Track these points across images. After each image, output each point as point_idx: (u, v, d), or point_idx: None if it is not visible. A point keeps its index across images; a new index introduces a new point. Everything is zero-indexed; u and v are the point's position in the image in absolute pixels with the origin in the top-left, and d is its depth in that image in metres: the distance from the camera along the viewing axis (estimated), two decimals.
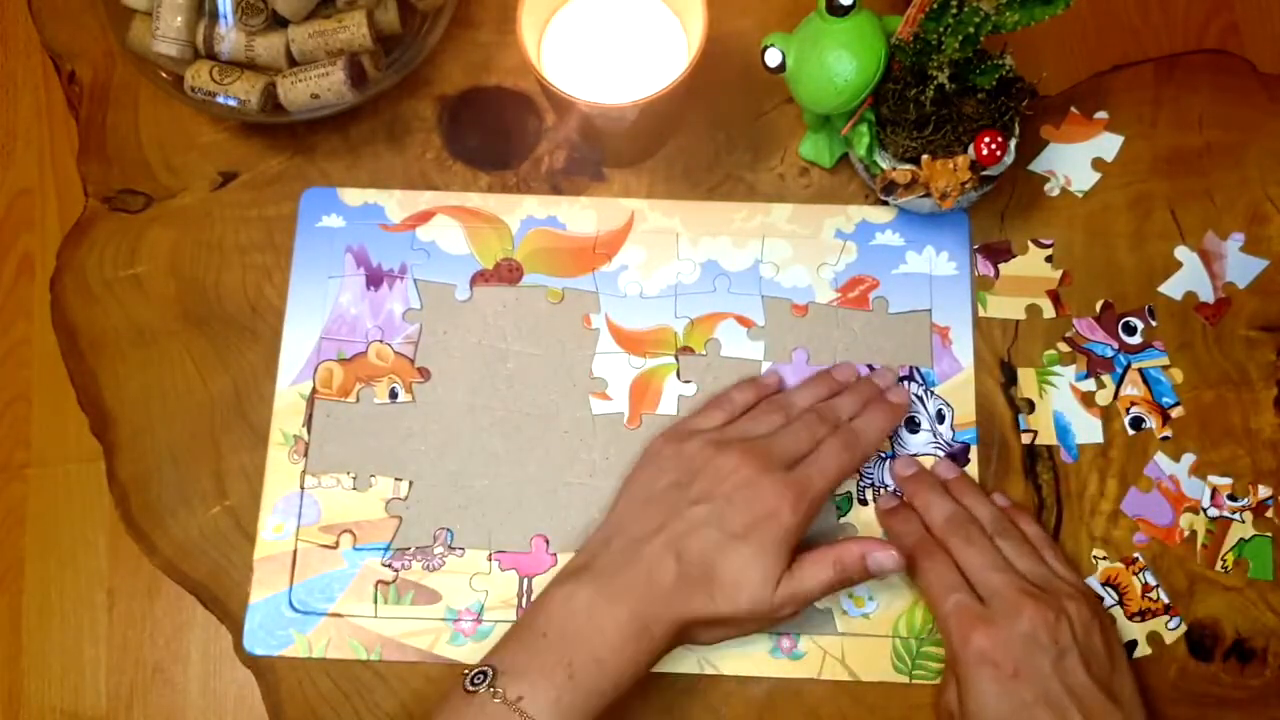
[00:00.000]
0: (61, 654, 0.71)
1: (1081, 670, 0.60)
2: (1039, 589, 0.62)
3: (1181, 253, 0.73)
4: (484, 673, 0.58)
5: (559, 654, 0.59)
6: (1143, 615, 0.67)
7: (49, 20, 0.80)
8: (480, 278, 0.74)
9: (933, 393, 0.71)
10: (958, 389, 0.71)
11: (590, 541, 0.65)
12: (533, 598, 0.68)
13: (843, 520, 0.69)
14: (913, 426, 0.71)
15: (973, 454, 0.70)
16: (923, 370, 0.72)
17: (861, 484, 0.70)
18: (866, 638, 0.67)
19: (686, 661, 0.67)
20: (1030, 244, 0.74)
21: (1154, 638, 0.67)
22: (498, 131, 0.77)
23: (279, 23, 0.73)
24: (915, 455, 0.70)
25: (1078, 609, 0.62)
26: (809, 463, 0.64)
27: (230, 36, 0.72)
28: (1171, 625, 0.67)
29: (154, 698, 0.70)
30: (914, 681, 0.67)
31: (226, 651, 0.70)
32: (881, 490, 0.69)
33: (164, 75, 0.74)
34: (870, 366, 0.72)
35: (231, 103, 0.72)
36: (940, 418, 0.71)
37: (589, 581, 0.61)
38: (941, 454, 0.70)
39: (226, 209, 0.76)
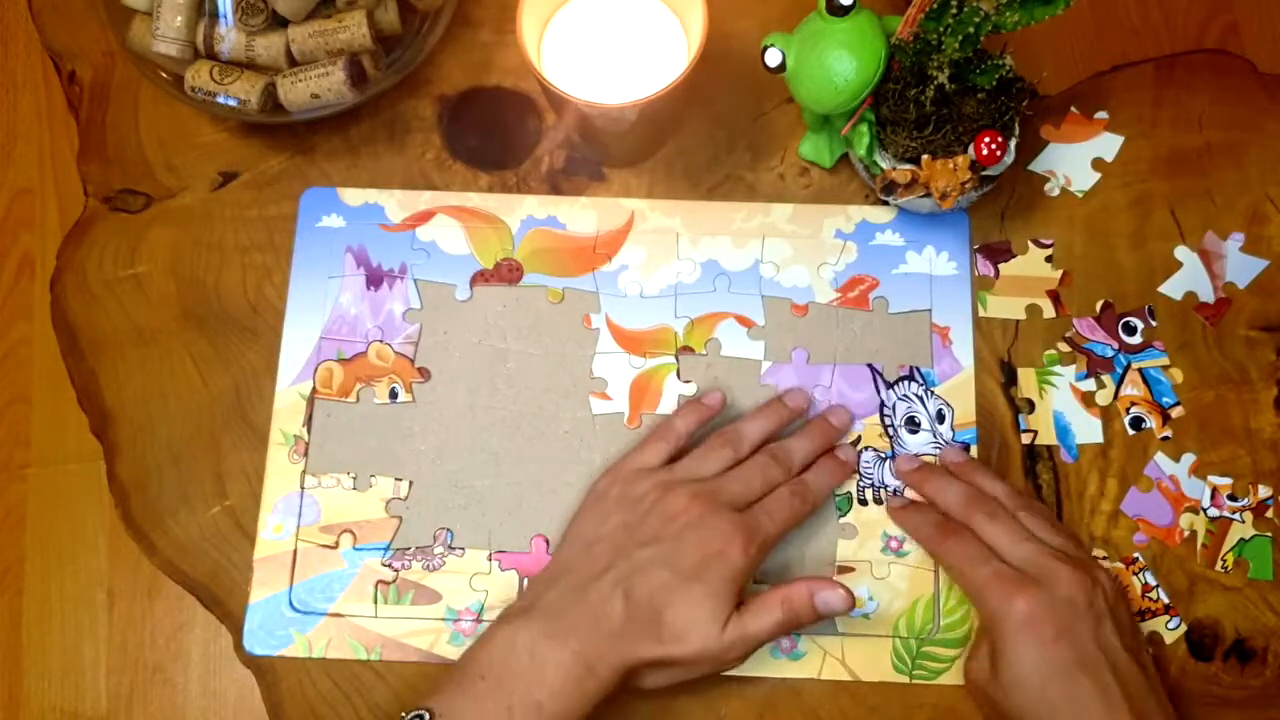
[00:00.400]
0: (61, 654, 0.71)
1: (1115, 636, 0.60)
2: (1068, 557, 0.63)
3: (1181, 253, 0.73)
4: (420, 716, 0.58)
5: (498, 698, 0.58)
6: (1142, 615, 0.67)
7: (49, 20, 0.81)
8: (480, 278, 0.74)
9: (933, 393, 0.71)
10: (958, 389, 0.71)
11: (534, 582, 0.64)
12: None
13: (843, 520, 0.69)
14: (913, 427, 0.71)
15: (973, 454, 0.70)
16: (923, 370, 0.72)
17: (861, 484, 0.70)
18: (866, 638, 0.67)
19: None
20: (1030, 244, 0.74)
21: (1154, 638, 0.67)
22: (498, 131, 0.77)
23: (279, 23, 0.73)
24: (916, 455, 0.70)
25: (1107, 578, 0.63)
26: (760, 506, 0.64)
27: (230, 36, 0.72)
28: (1171, 625, 0.67)
29: (154, 698, 0.70)
30: (914, 681, 0.67)
31: (226, 651, 0.70)
32: (881, 490, 0.69)
33: (164, 75, 0.74)
34: (873, 368, 0.72)
35: (231, 103, 0.72)
36: (940, 418, 0.71)
37: (532, 622, 0.60)
38: (941, 453, 0.70)
39: (226, 209, 0.76)
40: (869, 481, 0.70)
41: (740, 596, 0.61)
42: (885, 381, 0.71)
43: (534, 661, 0.59)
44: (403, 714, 0.58)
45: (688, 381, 0.72)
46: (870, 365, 0.72)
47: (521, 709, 0.58)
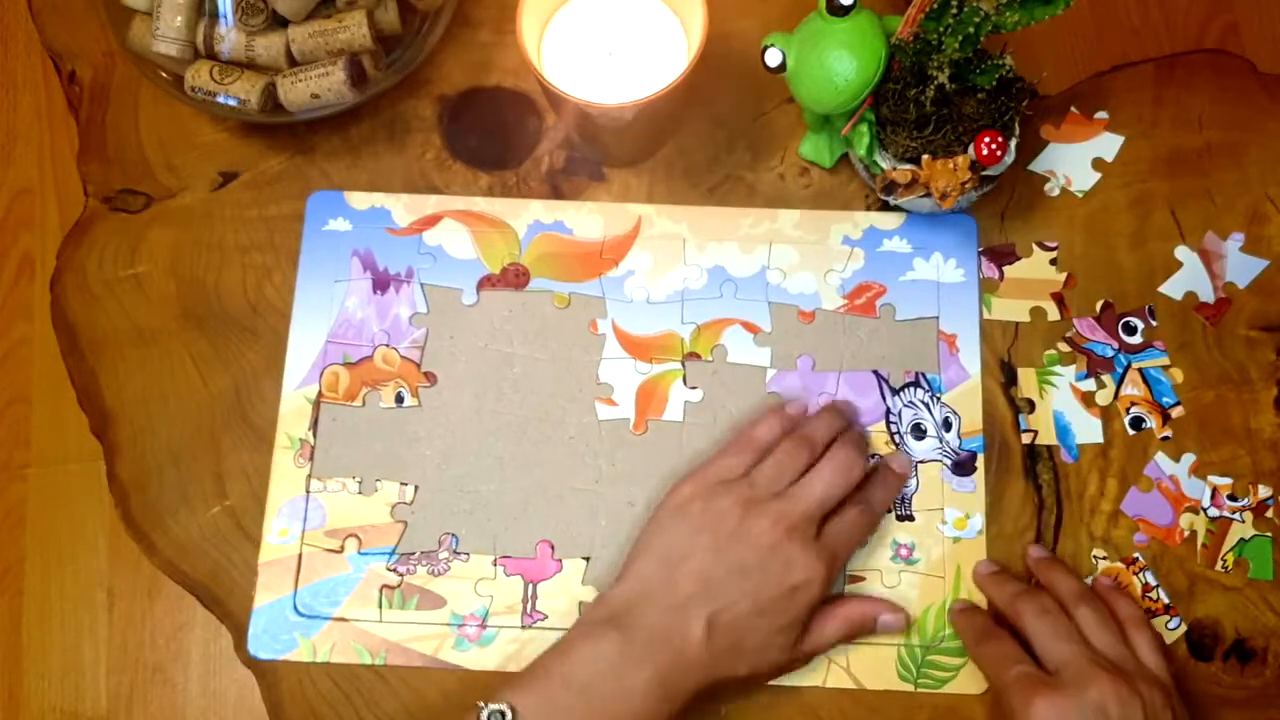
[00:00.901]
0: (61, 654, 0.71)
1: None
2: (1113, 664, 0.60)
3: (1182, 253, 0.73)
4: (503, 713, 0.58)
5: (583, 711, 0.59)
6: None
7: (49, 20, 0.80)
8: (487, 282, 0.74)
9: (939, 400, 0.71)
10: (964, 396, 0.71)
11: (619, 590, 0.63)
12: (537, 604, 0.68)
13: None
14: (919, 434, 0.70)
15: (979, 462, 0.70)
16: (929, 377, 0.71)
17: None
18: (873, 645, 0.67)
19: None
20: (1035, 246, 0.74)
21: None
22: (498, 131, 0.77)
23: (279, 23, 0.73)
24: (919, 463, 0.70)
25: (1151, 693, 0.59)
26: (837, 530, 0.64)
27: (230, 36, 0.72)
28: (1171, 625, 0.67)
29: (154, 698, 0.70)
30: (919, 690, 0.67)
31: (226, 651, 0.69)
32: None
33: (164, 75, 0.74)
34: (879, 375, 0.72)
35: (231, 103, 0.72)
36: (947, 425, 0.71)
37: (618, 638, 0.61)
38: (948, 462, 0.70)
39: (227, 209, 0.76)
40: None
41: (812, 612, 0.64)
42: (891, 388, 0.71)
43: (620, 681, 0.59)
44: (480, 703, 0.58)
45: (694, 388, 0.72)
46: (876, 372, 0.72)
47: None
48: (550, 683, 0.60)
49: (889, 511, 0.69)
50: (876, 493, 0.67)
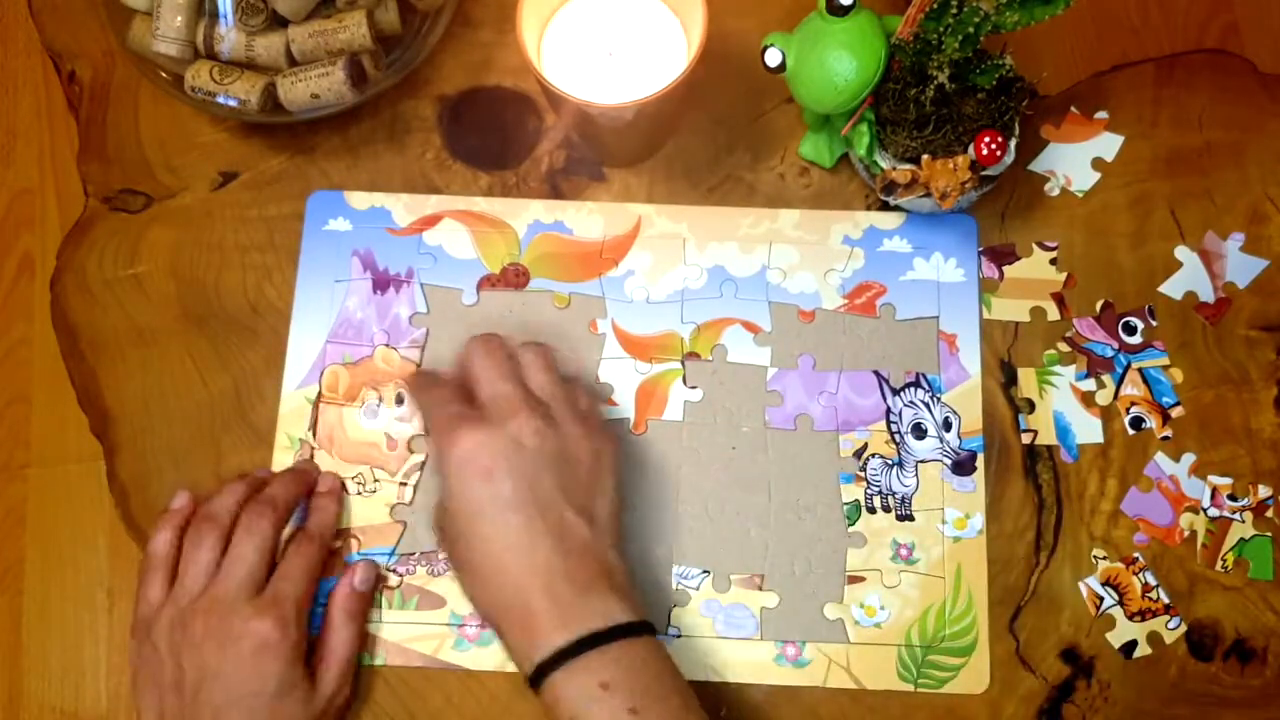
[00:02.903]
0: (61, 654, 0.71)
1: (560, 490, 0.60)
2: (540, 402, 0.62)
3: (1181, 252, 0.73)
4: None
5: None
6: (1143, 615, 0.67)
7: (49, 20, 0.81)
8: (487, 282, 0.74)
9: (939, 400, 0.71)
10: (965, 396, 0.71)
11: None
12: None
13: (851, 530, 0.69)
14: (919, 433, 0.70)
15: (979, 462, 0.70)
16: (929, 377, 0.71)
17: (869, 492, 0.69)
18: (873, 646, 0.67)
19: (691, 669, 0.67)
20: (1035, 246, 0.74)
21: (1154, 638, 0.67)
22: (498, 131, 0.77)
23: (279, 23, 0.73)
24: (922, 462, 0.70)
25: (573, 428, 0.62)
26: (277, 575, 0.64)
27: (230, 36, 0.72)
28: (1171, 625, 0.67)
29: None
30: (919, 690, 0.67)
31: None
32: (889, 498, 0.69)
33: (164, 75, 0.74)
34: (880, 375, 0.72)
35: (231, 103, 0.72)
36: (947, 425, 0.71)
37: None
38: (948, 461, 0.70)
39: (226, 209, 0.76)
40: (877, 489, 0.70)
41: (302, 657, 0.63)
42: (891, 388, 0.71)
43: None
44: None
45: (694, 387, 0.72)
46: (876, 372, 0.72)
47: None
48: None
49: (337, 529, 0.69)
50: (311, 518, 0.68)
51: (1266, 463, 0.70)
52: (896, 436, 0.70)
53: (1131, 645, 0.67)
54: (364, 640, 0.66)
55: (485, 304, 0.74)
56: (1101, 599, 0.68)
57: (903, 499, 0.69)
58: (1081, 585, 0.68)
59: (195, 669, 0.61)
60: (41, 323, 0.75)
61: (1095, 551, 0.68)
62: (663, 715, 0.57)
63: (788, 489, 0.70)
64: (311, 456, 0.71)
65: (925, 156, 0.67)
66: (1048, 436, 0.71)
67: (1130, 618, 0.67)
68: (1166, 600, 0.68)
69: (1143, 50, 0.78)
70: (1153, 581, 0.68)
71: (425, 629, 0.68)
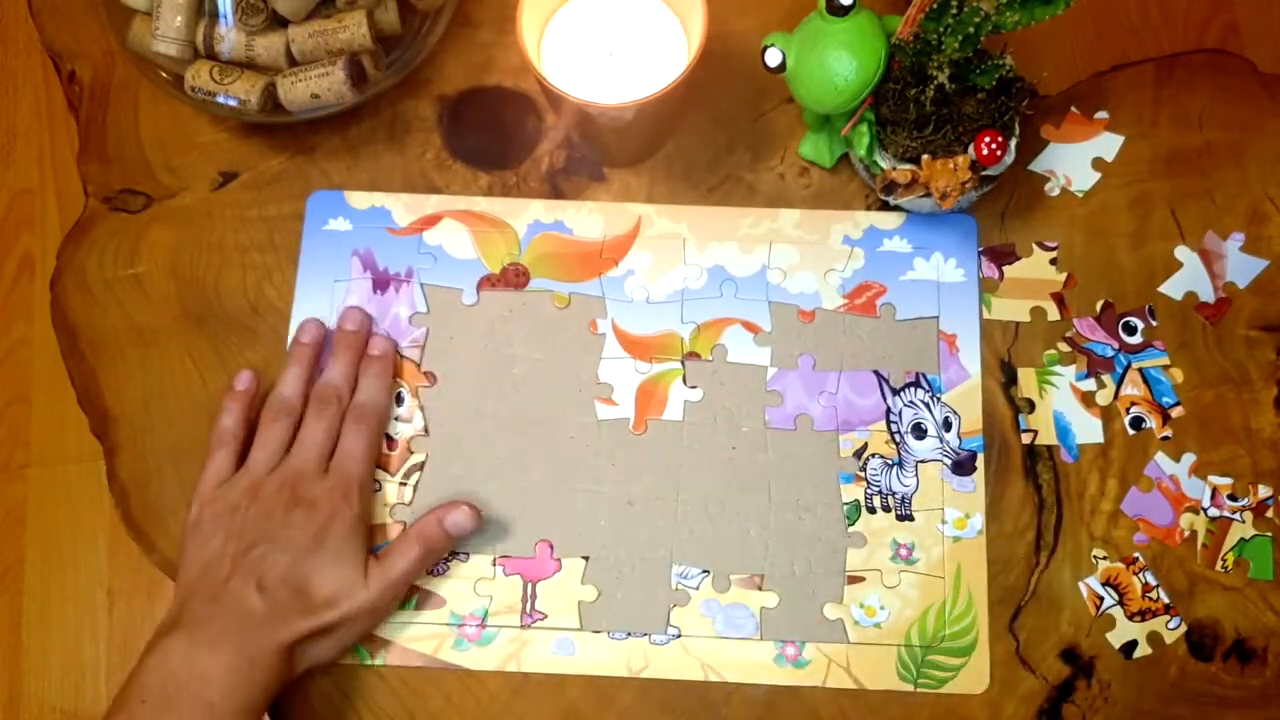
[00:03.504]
0: (61, 654, 0.71)
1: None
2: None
3: (1182, 252, 0.73)
4: None
5: (166, 716, 0.59)
6: (1143, 615, 0.67)
7: (49, 20, 0.80)
8: (487, 282, 0.74)
9: (939, 400, 0.71)
10: (965, 396, 0.71)
11: (171, 605, 0.64)
12: (537, 603, 0.68)
13: (851, 529, 0.69)
14: (919, 433, 0.70)
15: (979, 462, 0.70)
16: (929, 377, 0.71)
17: (869, 492, 0.69)
18: (873, 646, 0.67)
19: (691, 669, 0.67)
20: (1035, 246, 0.74)
21: (1154, 638, 0.67)
22: (498, 131, 0.77)
23: (279, 23, 0.73)
24: (922, 462, 0.70)
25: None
26: (342, 455, 0.67)
27: (230, 36, 0.72)
28: (1171, 625, 0.67)
29: None
30: (919, 690, 0.67)
31: None
32: (889, 498, 0.69)
33: (164, 75, 0.74)
34: (880, 375, 0.72)
35: (231, 103, 0.72)
36: (947, 425, 0.71)
37: (181, 635, 0.61)
38: (948, 461, 0.70)
39: (226, 209, 0.76)
40: (876, 489, 0.70)
41: (368, 543, 0.66)
42: (891, 388, 0.71)
43: (194, 670, 0.60)
44: None
45: (694, 387, 0.72)
46: (876, 372, 0.72)
47: (191, 715, 0.59)
48: (127, 702, 0.59)
49: (395, 396, 0.71)
50: (364, 394, 0.69)
51: (1266, 463, 0.70)
52: (896, 436, 0.70)
53: (1132, 645, 0.67)
54: (423, 569, 0.66)
55: (485, 304, 0.74)
56: (1102, 599, 0.68)
57: (903, 499, 0.69)
58: (1081, 585, 0.68)
59: (259, 528, 0.64)
60: (41, 323, 0.75)
61: (1095, 551, 0.68)
62: None
63: (788, 489, 0.70)
64: None
65: (925, 156, 0.67)
66: (1048, 436, 0.71)
67: (1130, 618, 0.67)
68: (1166, 600, 0.68)
69: (1143, 50, 0.78)
70: (1153, 581, 0.68)
71: (425, 629, 0.68)
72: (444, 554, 0.68)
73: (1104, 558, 0.68)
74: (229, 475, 0.67)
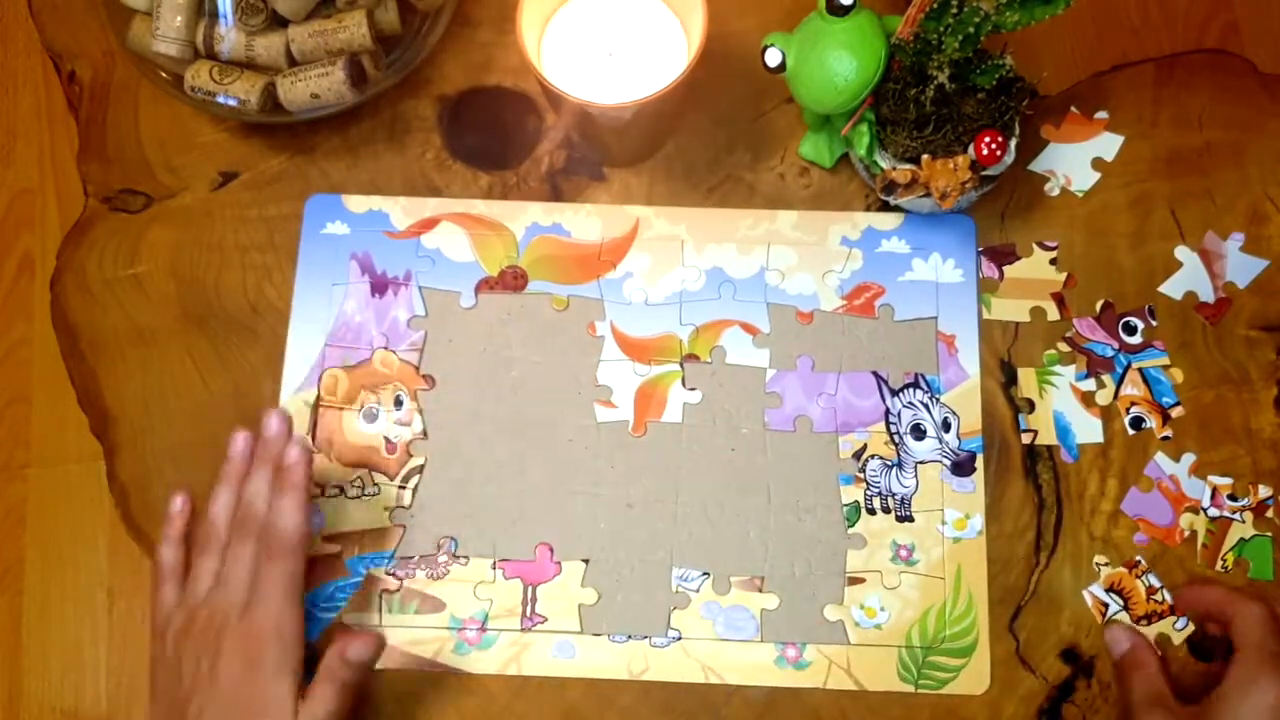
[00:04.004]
0: (61, 654, 0.71)
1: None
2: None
3: (1182, 252, 0.73)
4: None
5: None
6: (1149, 618, 0.67)
7: (49, 20, 0.80)
8: (485, 285, 0.74)
9: (938, 400, 0.71)
10: (964, 397, 0.71)
11: None
12: (537, 606, 0.68)
13: (851, 531, 0.69)
14: (918, 434, 0.70)
15: (978, 462, 0.70)
16: (928, 378, 0.71)
17: (869, 493, 0.69)
18: (874, 648, 0.67)
19: (691, 671, 0.67)
20: (1035, 246, 0.74)
21: (1162, 639, 0.67)
22: (498, 131, 0.77)
23: (279, 23, 0.73)
24: (921, 463, 0.70)
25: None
26: (256, 599, 0.62)
27: (230, 36, 0.72)
28: (1179, 626, 0.67)
29: None
30: (920, 690, 0.67)
31: None
32: (889, 499, 0.69)
33: (164, 75, 0.74)
34: (879, 376, 0.72)
35: (231, 103, 0.72)
36: (946, 426, 0.71)
37: None
38: (947, 462, 0.70)
39: (226, 209, 0.76)
40: (876, 490, 0.70)
41: (297, 681, 0.61)
42: (890, 389, 0.71)
43: None
44: None
45: (693, 389, 0.72)
46: (875, 373, 0.72)
47: None
48: None
49: (312, 512, 0.66)
50: (279, 518, 0.63)
51: (1266, 463, 0.70)
52: (895, 437, 0.70)
53: None
54: (348, 704, 0.62)
55: (483, 307, 0.74)
56: (1106, 605, 0.67)
57: (902, 500, 0.69)
58: (1085, 594, 0.68)
59: (192, 679, 0.61)
60: (41, 323, 0.75)
61: (1098, 558, 0.68)
62: None
63: (787, 491, 0.70)
64: (310, 460, 0.71)
65: (925, 156, 0.67)
66: (1048, 436, 0.71)
67: (1137, 621, 0.67)
68: (1171, 602, 0.67)
69: (1143, 50, 0.78)
70: (1156, 584, 0.68)
71: (425, 632, 0.68)
72: (361, 679, 0.63)
73: (1106, 564, 0.68)
74: (172, 608, 0.65)
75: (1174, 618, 0.67)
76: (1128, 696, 0.65)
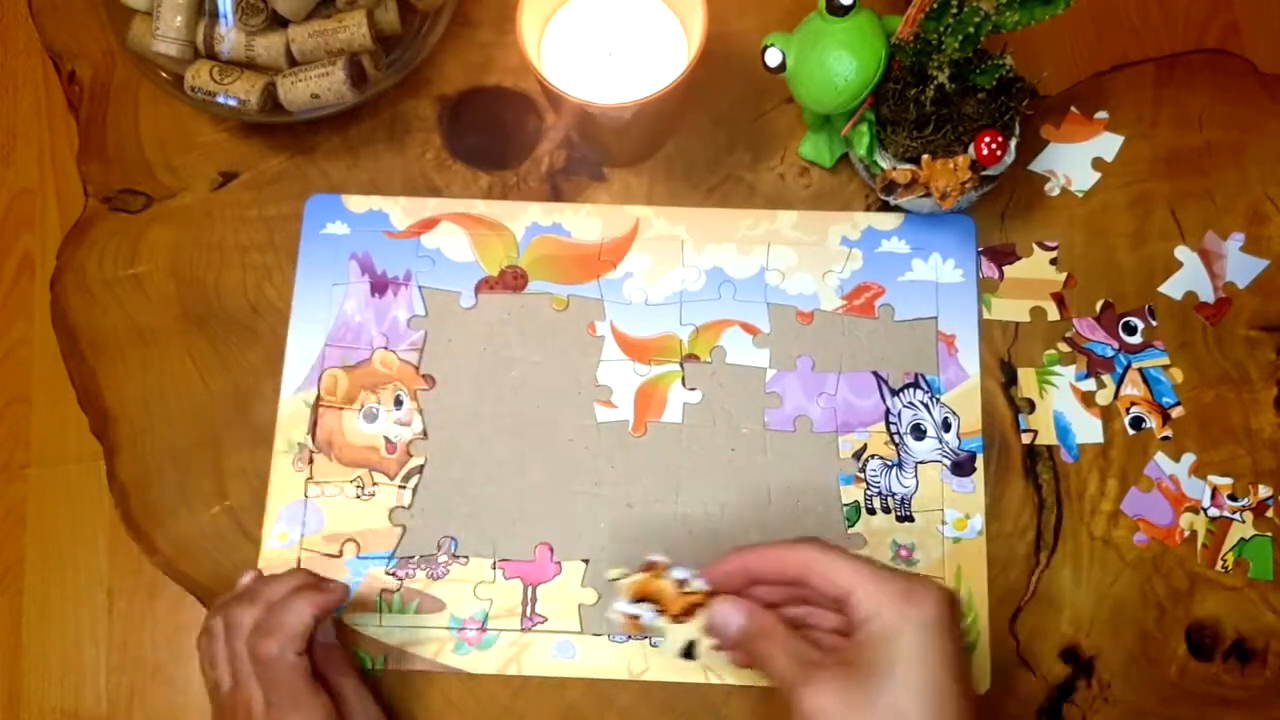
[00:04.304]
0: (61, 654, 0.71)
1: None
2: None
3: (1182, 252, 0.73)
4: None
5: None
6: (689, 612, 0.58)
7: (49, 20, 0.80)
8: (485, 285, 0.74)
9: (939, 400, 0.71)
10: (964, 397, 0.71)
11: None
12: (537, 606, 0.68)
13: (851, 531, 0.69)
14: (919, 434, 0.70)
15: (978, 462, 0.70)
16: (928, 378, 0.71)
17: (869, 493, 0.69)
18: None
19: (691, 671, 0.67)
20: (1035, 246, 0.74)
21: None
22: (498, 131, 0.77)
23: (279, 22, 0.73)
24: (921, 463, 0.70)
25: None
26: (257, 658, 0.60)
27: (230, 36, 0.72)
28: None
29: (154, 698, 0.70)
30: None
31: None
32: (889, 498, 0.69)
33: (164, 75, 0.74)
34: (879, 375, 0.72)
35: (231, 103, 0.72)
36: (946, 426, 0.71)
37: None
38: (948, 462, 0.70)
39: (226, 209, 0.76)
40: (876, 490, 0.70)
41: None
42: (890, 389, 0.71)
43: None
44: None
45: (693, 389, 0.72)
46: (875, 373, 0.72)
47: None
48: None
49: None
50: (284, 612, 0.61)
51: (1266, 463, 0.70)
52: (896, 437, 0.70)
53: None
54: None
55: (483, 307, 0.74)
56: (638, 616, 0.59)
57: (902, 500, 0.69)
58: (611, 615, 0.60)
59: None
60: (41, 323, 0.75)
61: (609, 572, 0.61)
62: None
63: (787, 490, 0.70)
64: (310, 460, 0.71)
65: (925, 156, 0.67)
66: (1048, 436, 0.71)
67: (676, 619, 0.59)
68: (707, 587, 0.59)
69: (1143, 50, 0.78)
70: (683, 575, 0.59)
71: (425, 632, 0.68)
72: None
73: (621, 575, 0.60)
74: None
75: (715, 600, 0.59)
76: (771, 671, 0.55)
